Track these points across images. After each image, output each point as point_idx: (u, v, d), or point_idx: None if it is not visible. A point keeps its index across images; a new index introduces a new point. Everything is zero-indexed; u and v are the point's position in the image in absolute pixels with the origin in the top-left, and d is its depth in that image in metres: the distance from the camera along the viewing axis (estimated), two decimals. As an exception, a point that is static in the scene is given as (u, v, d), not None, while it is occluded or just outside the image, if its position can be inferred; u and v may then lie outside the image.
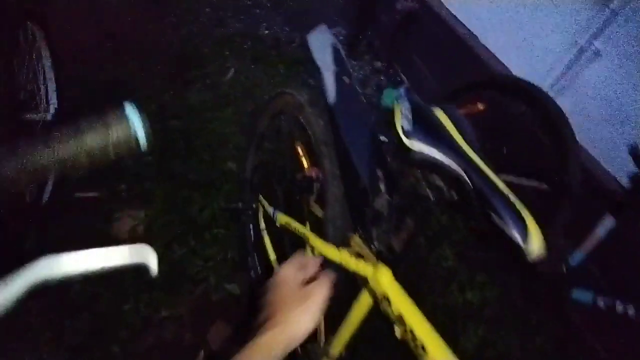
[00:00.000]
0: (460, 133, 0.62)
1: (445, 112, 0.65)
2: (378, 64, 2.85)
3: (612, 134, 1.47)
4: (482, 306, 1.62)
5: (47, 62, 1.67)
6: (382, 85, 2.66)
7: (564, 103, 1.39)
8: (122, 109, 0.42)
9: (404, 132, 0.59)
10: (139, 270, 0.46)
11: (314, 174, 1.14)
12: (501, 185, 0.53)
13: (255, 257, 1.40)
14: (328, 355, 0.97)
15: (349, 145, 0.78)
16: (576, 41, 1.54)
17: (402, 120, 0.60)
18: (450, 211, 1.76)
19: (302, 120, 1.08)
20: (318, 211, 1.17)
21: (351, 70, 0.93)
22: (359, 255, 0.84)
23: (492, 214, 0.51)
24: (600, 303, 1.20)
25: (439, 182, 0.59)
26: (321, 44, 0.98)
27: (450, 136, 0.60)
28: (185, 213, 1.62)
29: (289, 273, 0.58)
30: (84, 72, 2.16)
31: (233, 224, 1.59)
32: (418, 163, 0.61)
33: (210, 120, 2.07)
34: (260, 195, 1.28)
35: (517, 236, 0.49)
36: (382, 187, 0.77)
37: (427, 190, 0.61)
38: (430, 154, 0.58)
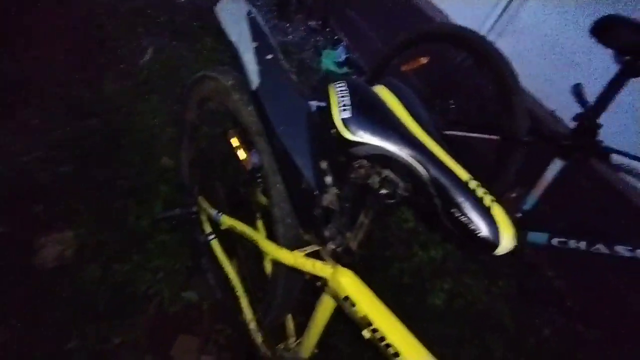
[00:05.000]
0: (410, 113, 0.52)
1: (390, 88, 0.54)
2: (313, 23, 2.64)
3: (555, 75, 1.46)
4: (444, 260, 1.64)
5: None
6: (320, 47, 2.48)
7: (504, 45, 1.34)
8: None
9: (343, 122, 0.48)
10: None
11: (253, 166, 1.01)
12: (463, 174, 0.45)
13: (209, 268, 1.27)
14: (298, 357, 0.92)
15: (282, 137, 0.66)
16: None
17: (338, 107, 0.49)
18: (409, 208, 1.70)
19: (230, 108, 0.93)
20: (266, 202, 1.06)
21: (274, 43, 0.77)
22: (316, 256, 0.76)
23: (454, 210, 0.44)
24: (555, 242, 1.25)
25: (392, 175, 0.50)
26: (233, 16, 0.80)
27: (397, 119, 0.50)
28: (120, 225, 1.43)
29: None
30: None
31: (179, 227, 1.43)
32: (364, 156, 0.51)
33: (134, 114, 1.81)
34: (201, 197, 1.12)
35: (486, 234, 0.42)
36: (329, 179, 0.66)
37: (379, 184, 0.52)
38: (376, 144, 0.48)
